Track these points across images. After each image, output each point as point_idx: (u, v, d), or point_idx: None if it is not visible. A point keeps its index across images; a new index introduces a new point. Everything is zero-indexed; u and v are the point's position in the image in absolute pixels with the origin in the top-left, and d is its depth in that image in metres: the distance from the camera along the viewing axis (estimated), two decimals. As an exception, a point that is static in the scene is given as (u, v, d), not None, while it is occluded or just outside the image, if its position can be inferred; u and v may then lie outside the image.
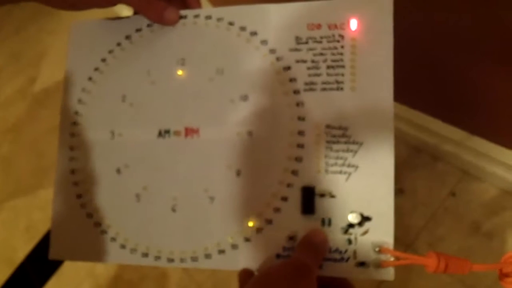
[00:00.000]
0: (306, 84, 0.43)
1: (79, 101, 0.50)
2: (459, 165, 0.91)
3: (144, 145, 0.47)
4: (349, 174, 0.41)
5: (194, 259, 0.44)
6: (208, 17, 0.47)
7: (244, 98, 0.44)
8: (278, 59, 0.44)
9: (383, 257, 0.39)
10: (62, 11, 0.48)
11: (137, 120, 0.48)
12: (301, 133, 0.42)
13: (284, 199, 0.42)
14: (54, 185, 0.50)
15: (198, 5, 0.50)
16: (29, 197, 1.39)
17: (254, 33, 0.45)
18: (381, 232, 0.40)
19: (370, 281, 0.84)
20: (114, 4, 0.45)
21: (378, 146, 0.40)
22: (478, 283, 0.82)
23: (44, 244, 1.27)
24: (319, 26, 0.43)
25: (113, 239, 0.47)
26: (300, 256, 0.39)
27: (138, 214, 0.46)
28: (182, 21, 0.48)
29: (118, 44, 0.50)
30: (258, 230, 0.43)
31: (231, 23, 0.46)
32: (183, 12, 0.48)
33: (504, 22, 0.54)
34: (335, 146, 0.41)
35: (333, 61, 0.42)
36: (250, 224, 0.43)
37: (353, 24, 0.42)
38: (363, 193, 0.40)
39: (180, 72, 0.47)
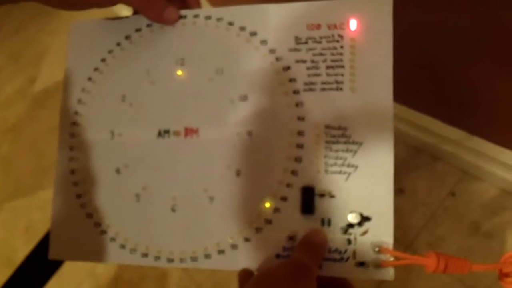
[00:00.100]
0: (306, 84, 0.43)
1: (79, 101, 0.50)
2: (458, 165, 0.91)
3: (144, 145, 0.47)
4: (349, 174, 0.41)
5: (194, 259, 0.44)
6: (208, 17, 0.47)
7: (244, 98, 0.44)
8: (277, 59, 0.44)
9: (382, 257, 0.39)
10: (61, 11, 0.48)
11: (137, 120, 0.48)
12: (300, 133, 0.42)
13: (284, 199, 0.42)
14: (54, 185, 0.50)
15: (197, 5, 0.50)
16: (29, 197, 1.39)
17: (253, 33, 0.45)
18: (381, 232, 0.40)
19: (369, 281, 0.85)
20: (114, 4, 0.46)
21: (378, 146, 0.40)
22: (478, 283, 0.82)
23: (44, 244, 1.27)
24: (318, 26, 0.43)
25: (113, 239, 0.47)
26: (299, 256, 0.39)
27: (137, 214, 0.46)
28: (181, 21, 0.48)
29: (118, 44, 0.50)
30: (258, 230, 0.43)
31: (230, 23, 0.46)
32: (182, 12, 0.48)
33: (503, 22, 0.54)
34: (334, 146, 0.41)
35: (333, 61, 0.42)
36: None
37: (353, 24, 0.42)
38: (362, 193, 0.40)
39: (179, 72, 0.47)
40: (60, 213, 0.49)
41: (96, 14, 0.49)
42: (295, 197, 0.42)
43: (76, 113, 0.50)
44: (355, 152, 0.40)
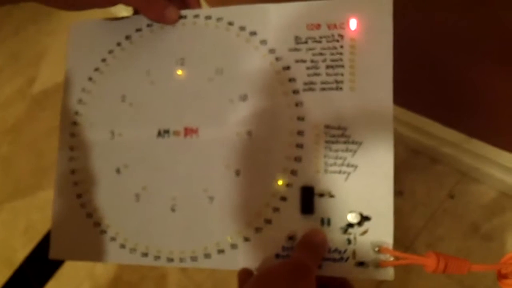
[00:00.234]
0: (306, 84, 0.43)
1: (79, 101, 0.50)
2: (457, 167, 0.91)
3: (144, 145, 0.47)
4: (348, 173, 0.41)
5: (194, 258, 0.44)
6: (208, 17, 0.47)
7: (244, 98, 0.44)
8: (277, 59, 0.44)
9: (382, 257, 0.39)
10: (61, 11, 0.48)
11: (137, 120, 0.48)
12: (300, 133, 0.42)
13: (283, 199, 0.42)
14: (54, 185, 0.50)
15: (198, 5, 0.50)
16: (28, 197, 1.39)
17: (253, 33, 0.45)
18: (381, 232, 0.40)
19: (369, 281, 0.85)
20: (114, 4, 0.46)
21: (378, 146, 0.40)
22: (477, 284, 0.82)
23: (43, 245, 1.27)
24: (318, 26, 0.43)
25: (113, 239, 0.47)
26: (299, 255, 0.39)
27: (137, 214, 0.46)
28: (182, 21, 0.48)
29: (118, 44, 0.50)
30: (257, 230, 0.43)
31: (230, 23, 0.46)
32: (183, 12, 0.48)
33: (503, 23, 0.54)
34: (334, 146, 0.41)
35: (333, 60, 0.42)
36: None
37: (353, 23, 0.42)
38: (362, 193, 0.40)
39: (179, 72, 0.47)
40: (60, 213, 0.49)
41: (95, 14, 0.49)
42: (294, 197, 0.42)
43: (76, 113, 0.50)
44: (355, 151, 0.40)
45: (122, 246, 0.47)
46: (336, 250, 0.40)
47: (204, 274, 1.05)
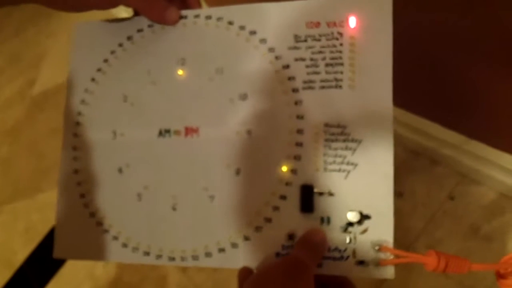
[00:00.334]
0: (305, 82, 0.43)
1: (82, 101, 0.50)
2: (457, 168, 0.91)
3: (145, 145, 0.47)
4: (348, 172, 0.40)
5: (195, 257, 0.44)
6: (208, 17, 0.47)
7: (244, 97, 0.45)
8: (277, 57, 0.44)
9: (382, 255, 0.39)
10: (61, 13, 0.48)
11: (138, 120, 0.48)
12: (300, 131, 0.42)
13: (283, 197, 0.42)
14: (58, 185, 0.50)
15: (198, 5, 0.50)
16: (28, 199, 1.39)
17: (253, 32, 0.45)
18: (381, 230, 0.39)
19: (370, 281, 0.85)
20: (115, 5, 0.46)
21: (377, 144, 0.40)
22: (477, 285, 0.82)
23: (43, 246, 1.27)
24: (318, 24, 0.43)
25: (115, 238, 0.47)
26: (297, 254, 0.39)
27: (139, 213, 0.47)
28: (182, 21, 0.48)
29: (120, 45, 0.50)
30: (258, 228, 0.43)
31: (230, 23, 0.46)
32: (183, 12, 0.48)
33: (503, 23, 0.54)
34: (333, 144, 0.41)
35: (332, 59, 0.42)
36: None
37: (352, 21, 0.42)
38: (362, 191, 0.40)
39: (180, 72, 0.47)
40: (64, 212, 0.50)
41: (95, 15, 0.49)
42: (294, 195, 0.42)
43: (79, 113, 0.50)
44: (354, 150, 0.40)
45: (125, 245, 0.47)
46: (336, 249, 0.40)
47: (204, 274, 1.05)
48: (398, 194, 0.93)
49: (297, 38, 0.43)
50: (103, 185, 0.48)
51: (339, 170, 0.41)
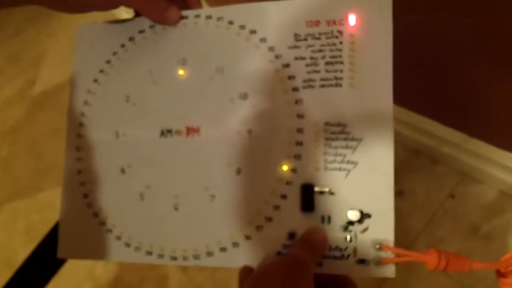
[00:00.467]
0: (305, 81, 0.43)
1: (85, 102, 0.51)
2: (458, 167, 0.91)
3: (147, 145, 0.48)
4: (349, 171, 0.40)
5: (196, 257, 0.44)
6: (209, 17, 0.47)
7: (244, 96, 0.45)
8: (277, 56, 0.44)
9: (383, 254, 0.39)
10: (61, 13, 0.48)
11: (140, 120, 0.48)
12: (300, 130, 0.42)
13: (284, 196, 0.42)
14: (62, 185, 0.51)
15: (198, 5, 0.50)
16: (28, 198, 1.39)
17: (253, 31, 0.45)
18: (381, 229, 0.39)
19: (370, 281, 0.85)
20: (116, 6, 0.46)
21: (378, 142, 0.40)
22: (477, 285, 0.82)
23: (44, 245, 1.27)
24: (317, 23, 0.43)
25: (118, 238, 0.47)
26: (297, 252, 0.39)
27: (141, 212, 0.47)
28: (183, 21, 0.48)
29: (122, 46, 0.50)
30: (258, 228, 0.43)
31: (230, 22, 0.46)
32: (184, 12, 0.48)
33: (504, 23, 0.54)
34: (334, 143, 0.41)
35: (332, 57, 0.42)
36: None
37: (352, 19, 0.42)
38: (362, 190, 0.40)
39: (181, 72, 0.47)
40: (68, 212, 0.50)
41: (96, 16, 0.49)
42: (295, 194, 0.42)
43: (82, 114, 0.51)
44: (355, 148, 0.40)
45: (127, 245, 0.47)
46: (336, 248, 0.40)
47: (205, 274, 1.06)
48: (399, 193, 0.93)
49: (297, 37, 0.43)
50: (106, 185, 0.49)
51: (340, 169, 0.41)
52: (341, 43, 0.42)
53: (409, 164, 0.95)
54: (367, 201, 0.40)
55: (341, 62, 0.42)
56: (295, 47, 0.43)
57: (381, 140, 0.40)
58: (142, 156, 0.48)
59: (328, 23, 0.43)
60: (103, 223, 0.48)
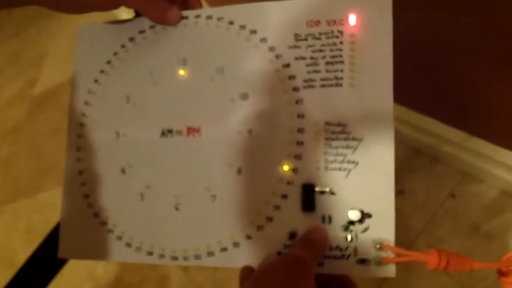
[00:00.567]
0: (305, 81, 0.43)
1: (86, 103, 0.51)
2: (459, 166, 0.91)
3: (148, 145, 0.48)
4: (349, 170, 0.41)
5: (197, 257, 0.44)
6: (209, 17, 0.47)
7: (244, 96, 0.45)
8: (277, 56, 0.44)
9: (384, 254, 0.39)
10: (61, 13, 0.48)
11: (141, 120, 0.48)
12: (300, 130, 0.42)
13: (284, 196, 0.42)
14: (63, 185, 0.51)
15: (199, 5, 0.50)
16: (29, 199, 1.39)
17: (253, 32, 0.45)
18: (382, 229, 0.39)
19: (371, 281, 0.85)
20: (117, 6, 0.46)
21: (378, 142, 0.40)
22: (478, 285, 0.82)
23: (45, 245, 1.28)
24: (318, 23, 0.43)
25: (119, 238, 0.47)
26: (298, 252, 0.39)
27: (142, 213, 0.47)
28: (183, 21, 0.48)
29: (122, 46, 0.50)
30: (259, 228, 0.43)
31: (231, 22, 0.46)
32: (184, 12, 0.48)
33: (504, 23, 0.54)
34: (334, 143, 0.41)
35: (332, 57, 0.42)
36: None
37: (352, 19, 0.42)
38: (363, 190, 0.40)
39: (182, 72, 0.47)
40: (68, 212, 0.50)
41: (96, 17, 0.49)
42: (295, 194, 0.42)
43: (83, 114, 0.51)
44: (355, 148, 0.40)
45: (128, 245, 0.47)
46: (337, 248, 0.40)
47: (205, 275, 1.06)
48: (399, 192, 0.93)
49: (297, 37, 0.43)
50: (107, 185, 0.49)
51: (340, 169, 0.41)
52: (341, 43, 0.42)
53: (410, 163, 0.95)
54: (368, 201, 0.40)
55: (342, 62, 0.42)
56: (296, 47, 0.43)
57: (382, 140, 0.40)
58: (142, 156, 0.48)
59: (328, 23, 0.43)
60: (103, 223, 0.48)
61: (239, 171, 0.44)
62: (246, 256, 0.43)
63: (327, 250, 0.40)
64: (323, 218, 0.41)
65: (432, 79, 0.76)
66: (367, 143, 0.40)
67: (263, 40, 0.45)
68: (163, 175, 0.47)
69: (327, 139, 0.41)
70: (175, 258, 0.45)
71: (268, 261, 0.41)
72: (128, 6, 0.47)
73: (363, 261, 0.40)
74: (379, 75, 0.40)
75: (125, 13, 0.53)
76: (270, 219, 0.43)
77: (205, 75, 0.46)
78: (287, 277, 0.36)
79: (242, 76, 0.45)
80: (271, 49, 0.44)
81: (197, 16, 0.48)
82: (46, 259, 1.25)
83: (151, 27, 0.49)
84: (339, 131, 0.41)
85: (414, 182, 0.94)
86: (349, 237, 0.40)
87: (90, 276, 1.17)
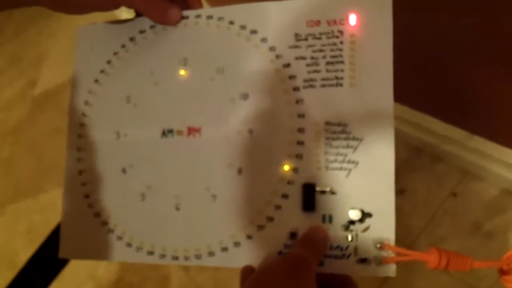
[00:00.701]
0: (306, 81, 0.43)
1: (86, 103, 0.51)
2: (460, 165, 0.91)
3: (148, 145, 0.48)
4: (349, 170, 0.41)
5: (198, 256, 0.44)
6: (209, 17, 0.47)
7: (245, 96, 0.45)
8: (277, 56, 0.44)
9: (384, 253, 0.39)
10: (61, 13, 0.48)
11: (141, 120, 0.48)
12: (301, 130, 0.42)
13: (285, 196, 0.42)
14: (63, 185, 0.51)
15: (199, 5, 0.50)
16: (30, 199, 1.39)
17: (254, 32, 0.45)
18: (382, 228, 0.39)
19: (371, 280, 0.85)
20: (117, 6, 0.46)
21: (378, 141, 0.40)
22: (479, 284, 0.82)
23: (46, 246, 1.28)
24: (318, 23, 0.43)
25: (120, 238, 0.47)
26: (299, 251, 0.39)
27: (143, 213, 0.47)
28: (184, 21, 0.48)
29: (123, 46, 0.50)
30: (260, 227, 0.43)
31: (231, 22, 0.46)
32: (185, 12, 0.48)
33: (504, 23, 0.54)
34: (335, 143, 0.41)
35: (332, 57, 0.42)
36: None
37: (352, 19, 0.42)
38: (363, 189, 0.40)
39: (182, 72, 0.47)
40: (69, 213, 0.50)
41: (96, 17, 0.49)
42: (296, 194, 0.42)
43: (83, 114, 0.51)
44: (356, 148, 0.41)
45: (129, 245, 0.47)
46: (337, 247, 0.40)
47: (206, 275, 1.06)
48: (400, 191, 0.93)
49: (297, 37, 0.43)
50: (107, 185, 0.49)
51: (341, 169, 0.41)
52: (341, 43, 0.42)
53: (411, 162, 0.95)
54: (368, 200, 0.40)
55: (342, 62, 0.42)
56: (296, 47, 0.43)
57: (382, 139, 0.40)
58: (143, 156, 0.48)
59: (328, 23, 0.43)
60: (104, 223, 0.48)
61: (240, 171, 0.44)
62: (246, 256, 0.43)
63: (328, 249, 0.40)
64: (324, 217, 0.41)
65: (432, 78, 0.76)
66: (367, 142, 0.40)
67: (264, 40, 0.45)
68: (164, 175, 0.47)
69: (327, 138, 0.41)
70: (176, 258, 0.45)
71: (269, 261, 0.42)
72: (129, 6, 0.47)
73: (363, 261, 0.40)
74: (379, 75, 0.40)
75: (125, 13, 0.53)
76: (270, 219, 0.43)
77: (206, 75, 0.46)
78: (288, 277, 0.36)
79: (243, 76, 0.45)
80: (272, 49, 0.44)
81: (198, 16, 0.48)
82: (47, 260, 1.25)
83: (152, 27, 0.49)
84: (340, 130, 0.41)
85: (415, 181, 0.94)
86: (349, 237, 0.40)
87: (91, 276, 1.17)
